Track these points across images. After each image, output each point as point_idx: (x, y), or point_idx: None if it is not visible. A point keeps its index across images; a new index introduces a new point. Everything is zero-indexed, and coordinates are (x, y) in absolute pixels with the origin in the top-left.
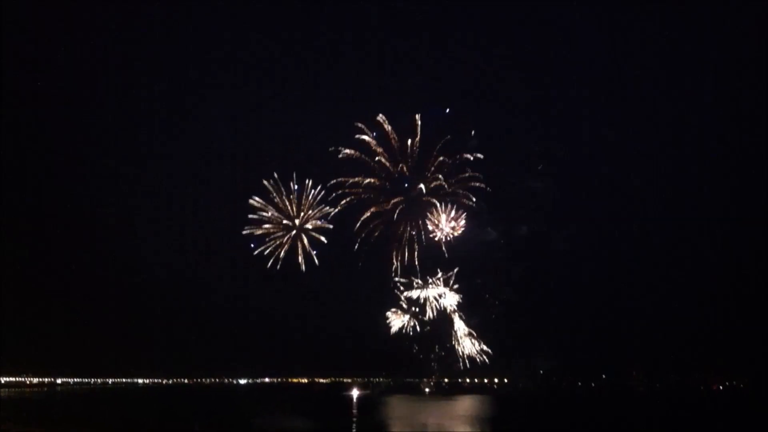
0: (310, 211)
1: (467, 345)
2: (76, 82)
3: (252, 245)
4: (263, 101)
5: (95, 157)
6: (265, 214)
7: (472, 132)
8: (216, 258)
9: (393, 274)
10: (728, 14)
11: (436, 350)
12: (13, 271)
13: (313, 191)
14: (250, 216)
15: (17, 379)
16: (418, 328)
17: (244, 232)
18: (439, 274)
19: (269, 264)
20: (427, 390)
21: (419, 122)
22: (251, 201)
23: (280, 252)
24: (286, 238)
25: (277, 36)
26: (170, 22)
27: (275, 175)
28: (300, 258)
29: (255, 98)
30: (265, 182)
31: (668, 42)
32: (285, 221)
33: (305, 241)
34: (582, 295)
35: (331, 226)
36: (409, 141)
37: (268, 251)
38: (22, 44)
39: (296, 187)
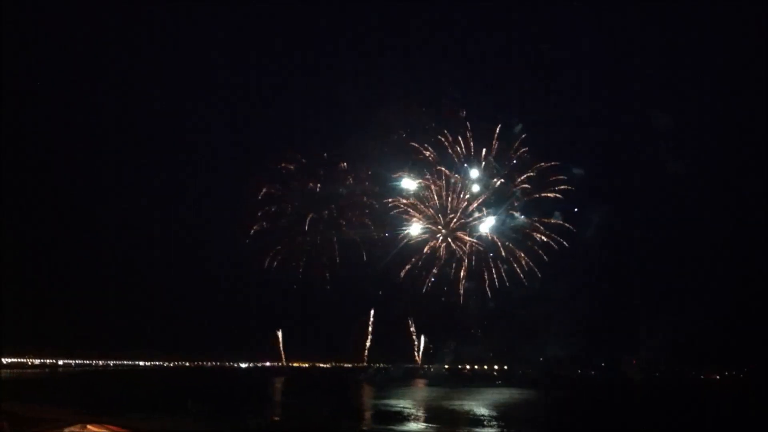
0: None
1: (474, 334)
2: (69, 69)
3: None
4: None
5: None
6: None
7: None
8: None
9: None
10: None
11: (446, 342)
12: (14, 253)
13: (350, 177)
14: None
15: (18, 360)
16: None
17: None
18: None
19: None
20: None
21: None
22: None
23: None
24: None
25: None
26: None
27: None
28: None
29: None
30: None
31: (670, 42)
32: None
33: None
34: (581, 283)
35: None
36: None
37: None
38: (21, 44)
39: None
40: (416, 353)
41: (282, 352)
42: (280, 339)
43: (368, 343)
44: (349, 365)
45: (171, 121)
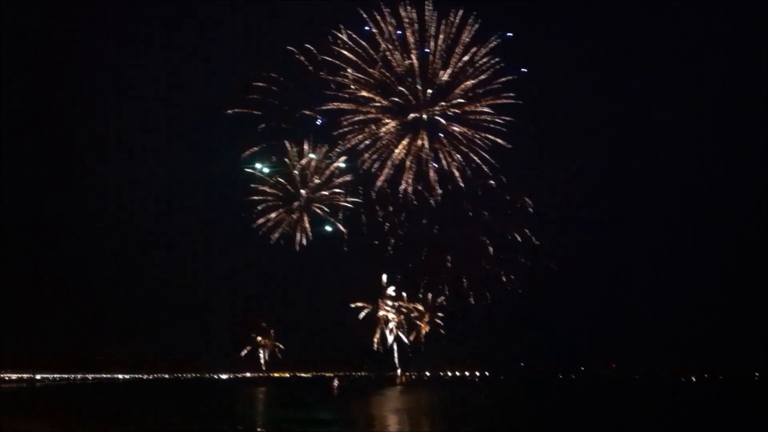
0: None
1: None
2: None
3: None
4: None
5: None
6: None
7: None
8: (197, 254)
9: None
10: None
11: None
12: None
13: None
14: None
15: None
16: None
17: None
18: None
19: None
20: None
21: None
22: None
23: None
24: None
25: None
26: None
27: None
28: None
29: None
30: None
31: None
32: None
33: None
34: (562, 287)
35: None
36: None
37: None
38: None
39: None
40: (395, 361)
41: (265, 359)
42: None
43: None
44: (330, 374)
45: None
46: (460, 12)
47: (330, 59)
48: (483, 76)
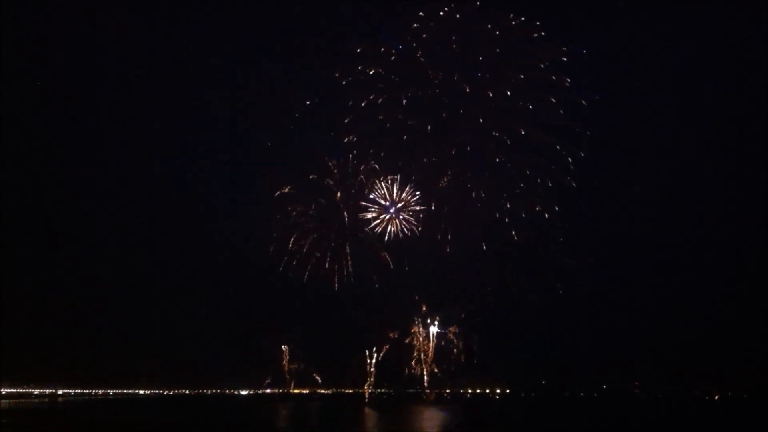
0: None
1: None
2: (73, 74)
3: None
4: None
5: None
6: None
7: None
8: (218, 267)
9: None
10: (729, 14)
11: (442, 364)
12: (13, 282)
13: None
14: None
15: (18, 390)
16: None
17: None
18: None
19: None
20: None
21: None
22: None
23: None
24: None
25: None
26: None
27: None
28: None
29: None
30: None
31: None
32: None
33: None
34: (584, 304)
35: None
36: None
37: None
38: (21, 44)
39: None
40: (424, 378)
41: (287, 376)
42: (286, 354)
43: (372, 370)
44: (350, 391)
45: None
46: (521, 19)
47: (361, 78)
48: (539, 99)
